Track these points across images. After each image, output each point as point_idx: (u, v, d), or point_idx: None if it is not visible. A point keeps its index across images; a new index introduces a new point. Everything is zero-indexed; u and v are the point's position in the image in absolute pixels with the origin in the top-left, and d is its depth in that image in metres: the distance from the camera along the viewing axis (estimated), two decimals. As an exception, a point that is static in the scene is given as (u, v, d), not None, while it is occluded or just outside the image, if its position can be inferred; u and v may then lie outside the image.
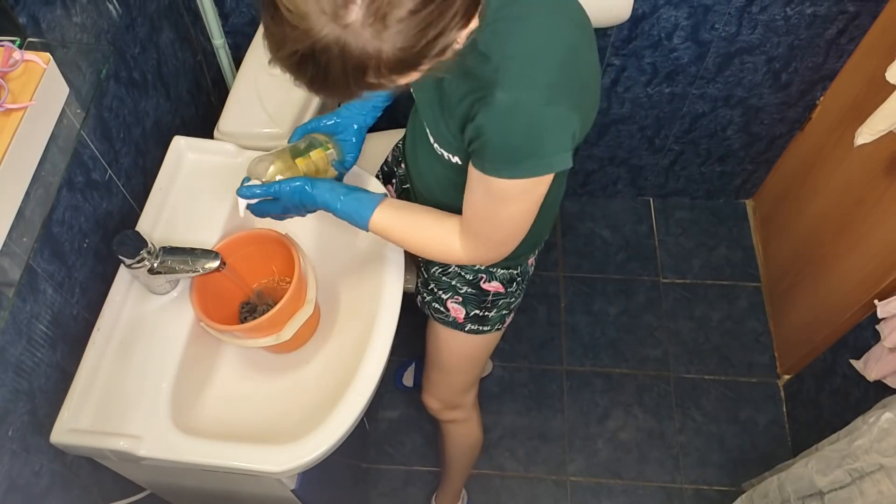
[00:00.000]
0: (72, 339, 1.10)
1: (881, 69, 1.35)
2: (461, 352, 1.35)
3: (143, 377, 1.09)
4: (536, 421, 2.00)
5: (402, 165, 1.32)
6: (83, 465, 1.16)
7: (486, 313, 1.28)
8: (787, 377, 2.02)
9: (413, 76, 0.73)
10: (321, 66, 0.68)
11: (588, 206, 2.31)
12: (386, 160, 1.42)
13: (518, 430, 1.99)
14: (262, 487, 1.16)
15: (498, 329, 1.32)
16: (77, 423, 1.05)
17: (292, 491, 1.15)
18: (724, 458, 1.95)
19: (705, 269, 2.20)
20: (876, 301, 1.46)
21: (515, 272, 1.25)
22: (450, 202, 1.07)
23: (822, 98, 1.87)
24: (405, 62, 0.69)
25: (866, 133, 1.40)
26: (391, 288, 1.17)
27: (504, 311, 1.30)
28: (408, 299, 1.29)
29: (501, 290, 1.25)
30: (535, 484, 1.92)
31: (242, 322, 1.21)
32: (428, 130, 1.03)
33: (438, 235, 1.04)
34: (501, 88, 0.82)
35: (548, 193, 1.06)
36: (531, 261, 1.28)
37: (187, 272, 1.09)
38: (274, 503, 1.25)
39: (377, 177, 1.44)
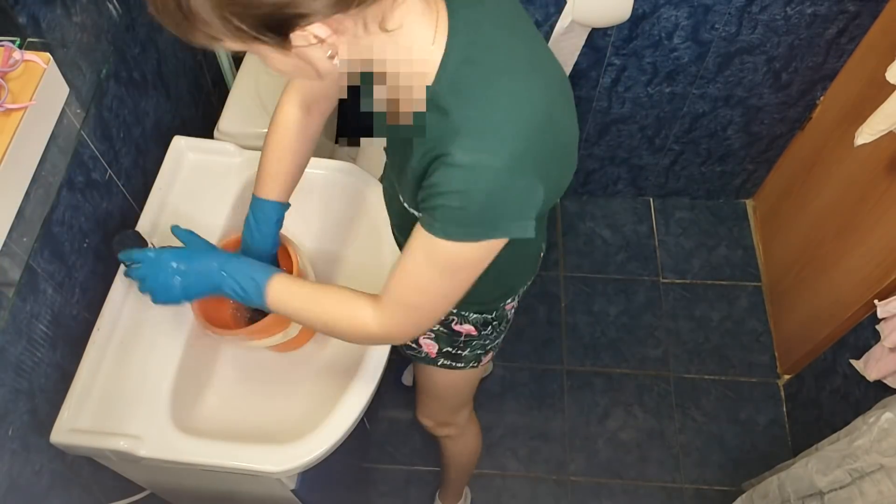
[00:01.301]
0: (72, 339, 1.10)
1: (881, 69, 1.35)
2: (441, 382, 1.33)
3: (143, 377, 1.09)
4: (537, 421, 2.00)
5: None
6: (83, 464, 1.16)
7: (459, 352, 1.24)
8: (787, 377, 2.02)
9: (248, 47, 0.69)
10: (163, 5, 0.69)
11: (588, 205, 2.31)
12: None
13: (519, 429, 1.99)
14: (262, 487, 1.16)
15: (473, 366, 1.28)
16: (77, 423, 1.05)
17: (292, 491, 1.15)
18: (724, 458, 1.95)
19: (705, 269, 2.20)
20: (876, 301, 1.46)
21: (490, 316, 1.18)
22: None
23: (822, 98, 1.87)
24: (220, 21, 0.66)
25: (866, 133, 1.40)
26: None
27: (479, 351, 1.25)
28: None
29: (474, 332, 1.20)
30: (535, 484, 1.92)
31: (249, 321, 1.21)
32: (396, 186, 0.97)
33: (348, 302, 0.92)
34: (461, 149, 0.74)
35: (529, 243, 1.01)
36: (509, 306, 1.20)
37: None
38: (274, 503, 1.25)
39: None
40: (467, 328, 1.19)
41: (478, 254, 0.81)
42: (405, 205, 0.93)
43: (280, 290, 0.93)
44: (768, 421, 1.99)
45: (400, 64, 0.77)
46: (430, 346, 1.23)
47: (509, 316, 1.23)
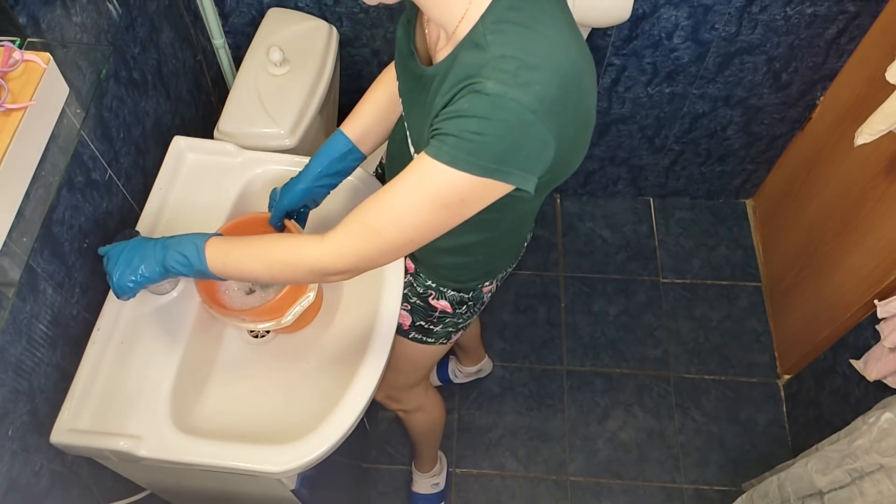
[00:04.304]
0: (72, 339, 1.11)
1: (881, 69, 1.35)
2: (403, 355, 1.34)
3: (143, 377, 1.09)
4: (537, 421, 2.00)
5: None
6: (83, 465, 1.16)
7: (432, 327, 1.26)
8: (787, 377, 2.02)
9: None
10: None
11: (588, 206, 2.31)
12: (381, 162, 1.41)
13: (518, 429, 1.99)
14: (262, 487, 1.16)
15: (443, 343, 1.30)
16: (77, 423, 1.05)
17: (292, 491, 1.15)
18: (724, 458, 1.95)
19: (705, 269, 2.20)
20: (876, 301, 1.46)
21: (467, 296, 1.20)
22: None
23: (822, 98, 1.87)
24: None
25: (866, 133, 1.40)
26: (392, 288, 1.17)
27: (450, 329, 1.27)
28: (408, 299, 1.29)
29: (449, 309, 1.22)
30: (535, 484, 1.92)
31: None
32: (410, 140, 0.98)
33: (291, 241, 0.93)
34: (494, 79, 0.76)
35: (515, 231, 1.02)
36: (487, 288, 1.21)
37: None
38: (274, 503, 1.25)
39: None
40: (443, 304, 1.21)
41: (472, 192, 0.80)
42: (411, 149, 0.95)
43: (219, 248, 0.94)
44: (768, 421, 1.99)
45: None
46: (404, 318, 1.25)
47: (485, 298, 1.24)
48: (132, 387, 1.08)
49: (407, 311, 1.25)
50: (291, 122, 1.49)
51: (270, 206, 1.15)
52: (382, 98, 1.13)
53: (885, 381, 1.46)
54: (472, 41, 0.80)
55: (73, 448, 1.06)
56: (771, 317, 2.12)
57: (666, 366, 2.07)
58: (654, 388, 2.04)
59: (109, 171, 1.20)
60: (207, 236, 0.96)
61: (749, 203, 2.30)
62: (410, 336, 1.29)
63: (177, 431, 1.04)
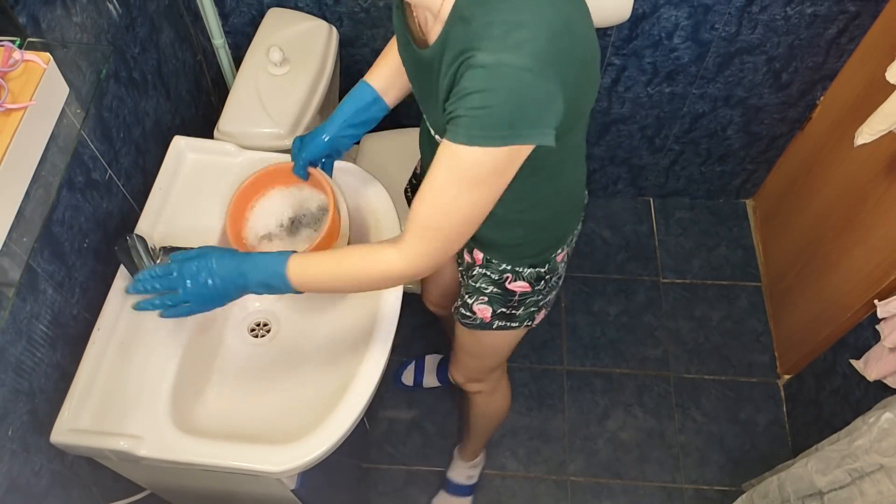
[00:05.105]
0: (72, 339, 1.10)
1: (881, 69, 1.35)
2: (488, 345, 1.34)
3: (143, 377, 1.09)
4: (537, 421, 2.00)
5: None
6: (83, 465, 1.16)
7: (514, 311, 1.25)
8: (787, 377, 2.02)
9: None
10: None
11: (588, 206, 2.30)
12: (415, 172, 1.40)
13: (519, 429, 1.99)
14: (262, 487, 1.16)
15: (527, 325, 1.29)
16: (77, 423, 1.05)
17: (292, 491, 1.15)
18: (724, 458, 1.95)
19: (705, 269, 2.20)
20: (876, 301, 1.46)
21: (542, 270, 1.19)
22: None
23: (822, 98, 1.86)
24: None
25: (866, 133, 1.40)
26: (391, 288, 1.17)
27: (532, 309, 1.25)
28: (408, 299, 1.29)
29: (528, 288, 1.21)
30: (535, 484, 1.92)
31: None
32: (428, 122, 1.01)
33: (369, 255, 0.95)
34: (485, 50, 0.78)
35: (565, 177, 1.02)
36: (560, 256, 1.20)
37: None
38: (274, 503, 1.25)
39: (406, 192, 1.42)
40: (521, 285, 1.20)
41: (499, 162, 0.83)
42: (436, 137, 0.96)
43: (302, 275, 0.95)
44: (768, 421, 1.99)
45: None
46: (483, 311, 1.24)
47: (561, 270, 1.23)
48: (132, 387, 1.08)
49: (485, 303, 1.23)
50: (291, 122, 1.49)
51: (294, 156, 1.16)
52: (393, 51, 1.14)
53: (885, 381, 1.46)
54: (457, 15, 0.82)
55: (73, 448, 1.06)
56: (771, 317, 2.12)
57: (666, 366, 2.07)
58: (654, 388, 2.04)
59: (109, 171, 1.20)
60: (284, 261, 0.95)
61: (749, 203, 2.30)
62: (495, 326, 1.27)
63: (177, 431, 1.04)
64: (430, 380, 2.01)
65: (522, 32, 0.78)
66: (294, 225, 1.20)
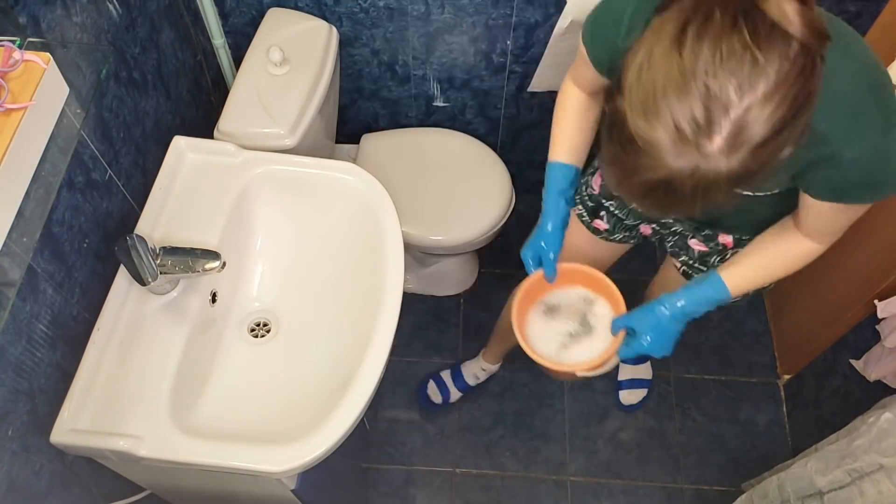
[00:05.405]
0: (72, 339, 1.10)
1: (881, 69, 1.35)
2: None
3: (143, 377, 1.09)
4: (537, 421, 1.99)
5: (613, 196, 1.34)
6: (83, 465, 1.16)
7: None
8: (787, 377, 2.02)
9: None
10: (672, 190, 0.71)
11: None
12: (579, 191, 1.38)
13: (519, 429, 1.99)
14: (262, 487, 1.16)
15: None
16: (77, 423, 1.05)
17: (292, 491, 1.15)
18: (724, 458, 1.95)
19: (705, 269, 2.20)
20: (876, 301, 1.46)
21: None
22: (763, 212, 1.10)
23: (822, 98, 1.86)
24: (749, 176, 0.71)
25: (866, 133, 1.39)
26: (391, 288, 1.17)
27: None
28: (408, 299, 1.28)
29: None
30: (535, 484, 1.92)
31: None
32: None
33: (789, 250, 1.07)
34: (846, 147, 0.84)
35: None
36: None
37: (187, 272, 1.09)
38: (274, 503, 1.25)
39: (580, 216, 1.40)
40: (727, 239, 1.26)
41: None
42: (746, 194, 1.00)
43: (736, 290, 1.08)
44: (768, 421, 1.99)
45: None
46: (725, 239, 1.27)
47: None
48: (132, 387, 1.08)
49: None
50: (291, 122, 1.49)
51: (536, 263, 1.19)
52: (579, 112, 1.16)
53: (885, 381, 1.46)
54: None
55: (73, 448, 1.06)
56: (771, 317, 2.12)
57: (666, 366, 2.07)
58: (654, 388, 2.04)
59: (109, 171, 1.20)
60: (725, 289, 1.07)
61: (749, 203, 2.29)
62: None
63: (177, 431, 1.04)
64: (454, 393, 1.99)
65: (861, 111, 0.86)
66: (582, 324, 1.25)
